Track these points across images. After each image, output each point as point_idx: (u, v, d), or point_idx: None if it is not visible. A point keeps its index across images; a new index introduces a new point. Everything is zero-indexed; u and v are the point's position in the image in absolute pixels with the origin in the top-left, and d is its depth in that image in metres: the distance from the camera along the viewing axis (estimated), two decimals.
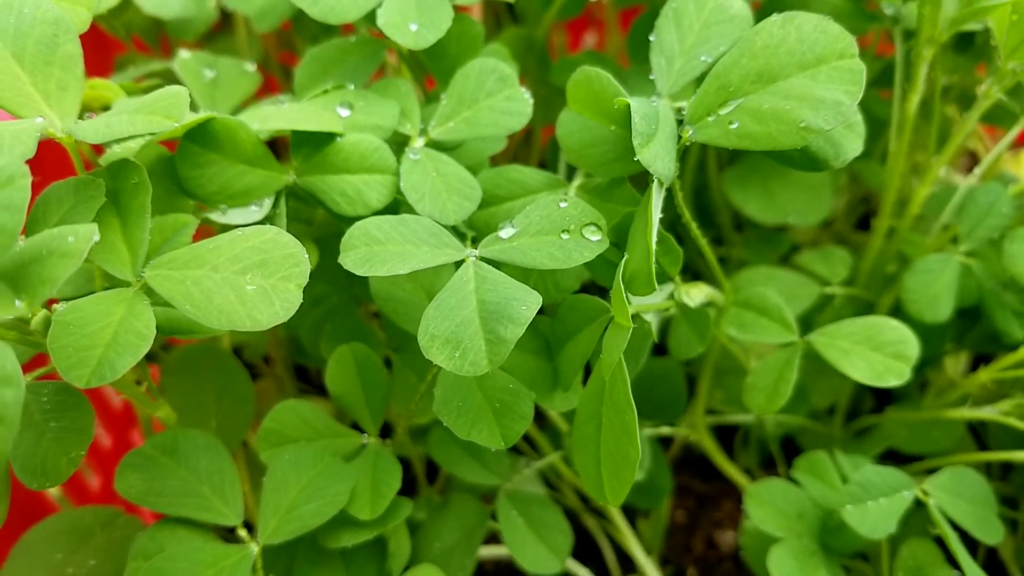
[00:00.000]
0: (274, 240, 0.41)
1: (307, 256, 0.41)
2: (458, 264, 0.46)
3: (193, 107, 0.59)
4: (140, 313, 0.38)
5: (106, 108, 0.58)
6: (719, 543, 0.93)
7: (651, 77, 0.51)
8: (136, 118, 0.38)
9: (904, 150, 0.63)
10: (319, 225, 0.58)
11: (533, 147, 0.87)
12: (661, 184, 0.44)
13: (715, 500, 0.96)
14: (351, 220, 0.51)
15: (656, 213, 0.44)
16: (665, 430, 0.76)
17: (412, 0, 0.52)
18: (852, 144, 0.47)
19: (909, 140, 0.63)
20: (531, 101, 0.54)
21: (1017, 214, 0.68)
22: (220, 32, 0.85)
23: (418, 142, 0.54)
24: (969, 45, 0.72)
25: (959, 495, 0.62)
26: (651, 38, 0.52)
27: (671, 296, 0.54)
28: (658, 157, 0.44)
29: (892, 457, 0.81)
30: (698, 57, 0.50)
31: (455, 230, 0.52)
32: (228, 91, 0.62)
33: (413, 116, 0.55)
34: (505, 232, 0.47)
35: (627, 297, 0.43)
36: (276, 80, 0.90)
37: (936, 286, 0.66)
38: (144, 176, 0.42)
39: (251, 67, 0.64)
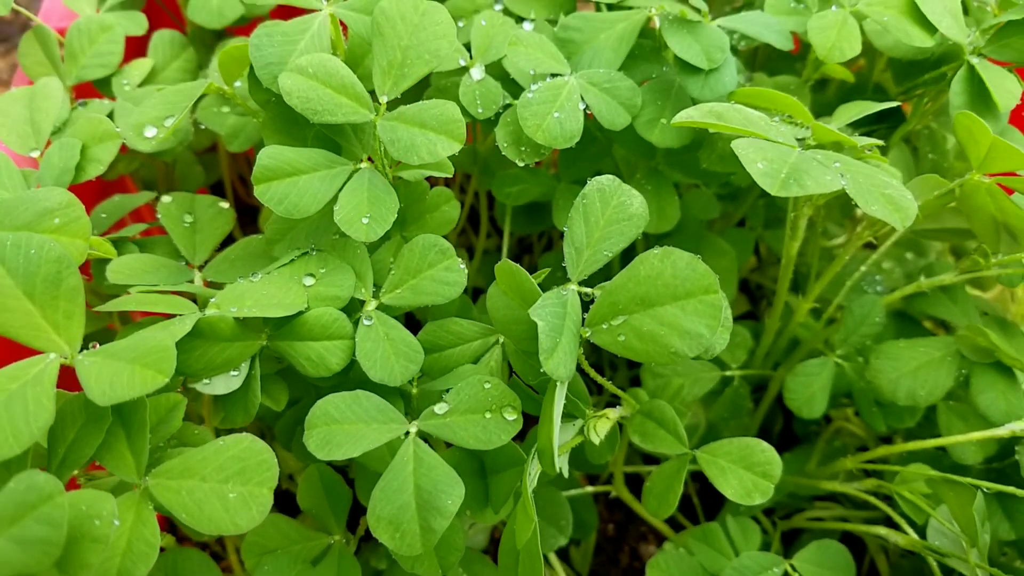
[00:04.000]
0: (250, 448, 0.52)
1: (276, 460, 0.52)
2: (401, 439, 0.57)
3: (175, 255, 0.69)
4: (147, 520, 0.49)
5: (102, 262, 0.67)
6: (643, 555, 1.07)
7: (563, 264, 0.61)
8: (135, 374, 0.48)
9: (787, 285, 0.74)
10: None
11: (481, 209, 0.98)
12: (563, 382, 0.55)
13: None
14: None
15: (558, 410, 0.55)
16: (589, 489, 0.89)
17: (364, 192, 0.62)
18: (720, 340, 0.58)
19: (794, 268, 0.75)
20: (465, 271, 0.64)
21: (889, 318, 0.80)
22: None
23: (371, 305, 0.64)
24: None
25: (823, 565, 0.75)
26: (564, 228, 0.62)
27: (581, 431, 0.65)
28: (560, 365, 0.54)
29: None
30: (602, 252, 0.60)
31: None
32: (207, 233, 0.71)
33: (366, 279, 0.65)
34: (440, 408, 0.58)
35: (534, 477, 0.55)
36: None
37: (813, 387, 0.78)
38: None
39: (225, 204, 0.73)
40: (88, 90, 0.82)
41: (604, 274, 0.62)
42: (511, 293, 0.61)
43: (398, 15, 0.61)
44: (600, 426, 0.66)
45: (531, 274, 1.20)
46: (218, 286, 0.69)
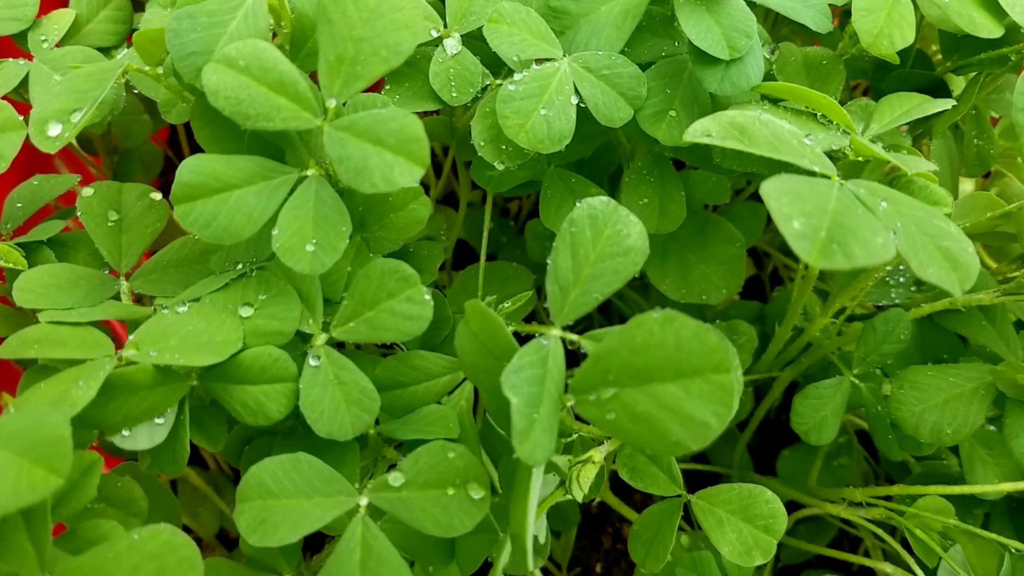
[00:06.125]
0: (169, 543, 0.43)
1: (200, 556, 0.44)
2: (351, 512, 0.49)
3: (95, 261, 0.60)
4: None
5: (13, 272, 0.58)
6: (626, 537, 1.02)
7: (545, 306, 0.52)
8: (21, 475, 0.39)
9: (803, 301, 0.65)
10: None
11: (462, 186, 0.87)
12: (541, 465, 0.47)
13: (627, 492, 1.04)
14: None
15: (535, 495, 0.47)
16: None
17: (310, 211, 0.51)
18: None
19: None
20: (431, 303, 0.55)
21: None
22: None
23: (320, 339, 0.55)
24: None
25: None
26: (548, 261, 0.52)
27: (562, 484, 0.58)
28: (538, 447, 0.46)
29: None
30: (592, 293, 0.50)
31: None
32: (135, 233, 0.61)
33: (315, 305, 0.55)
34: (395, 478, 0.50)
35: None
36: None
37: (824, 411, 0.70)
38: None
39: (157, 196, 0.62)
40: (6, 44, 0.70)
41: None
42: (483, 336, 0.51)
43: None
44: (584, 475, 0.58)
45: (517, 231, 1.10)
46: (148, 301, 0.60)
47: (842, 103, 0.67)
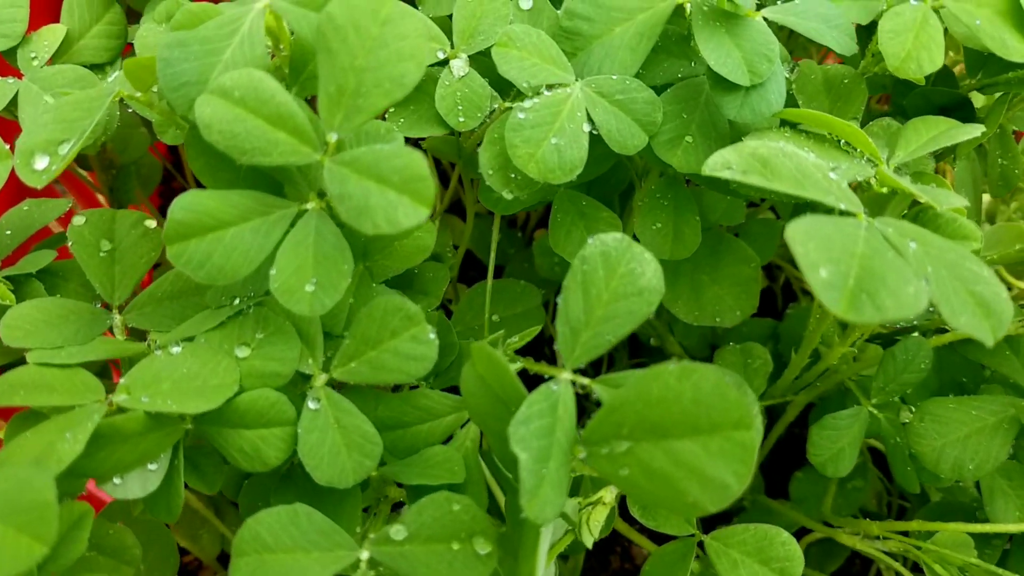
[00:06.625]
0: None
1: None
2: (352, 566, 0.47)
3: (87, 293, 0.57)
4: None
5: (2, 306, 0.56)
6: (635, 556, 1.00)
7: (555, 347, 0.49)
8: (5, 544, 0.37)
9: (822, 329, 0.62)
10: None
11: (468, 199, 0.85)
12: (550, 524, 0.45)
13: None
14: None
15: (543, 553, 0.45)
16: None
17: (310, 248, 0.49)
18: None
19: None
20: (436, 342, 0.52)
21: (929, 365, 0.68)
22: None
23: (320, 380, 0.53)
24: None
25: None
26: (558, 300, 0.49)
27: (571, 529, 0.55)
28: (547, 504, 0.43)
29: None
30: (604, 335, 0.48)
31: None
32: (128, 263, 0.58)
33: (315, 344, 0.53)
34: (396, 532, 0.48)
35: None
36: None
37: (841, 442, 0.67)
38: None
39: (152, 223, 0.60)
40: None
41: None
42: (490, 379, 0.49)
43: (351, 25, 0.46)
44: (595, 518, 0.55)
45: (525, 243, 1.07)
46: (142, 335, 0.57)
47: (863, 122, 0.65)
